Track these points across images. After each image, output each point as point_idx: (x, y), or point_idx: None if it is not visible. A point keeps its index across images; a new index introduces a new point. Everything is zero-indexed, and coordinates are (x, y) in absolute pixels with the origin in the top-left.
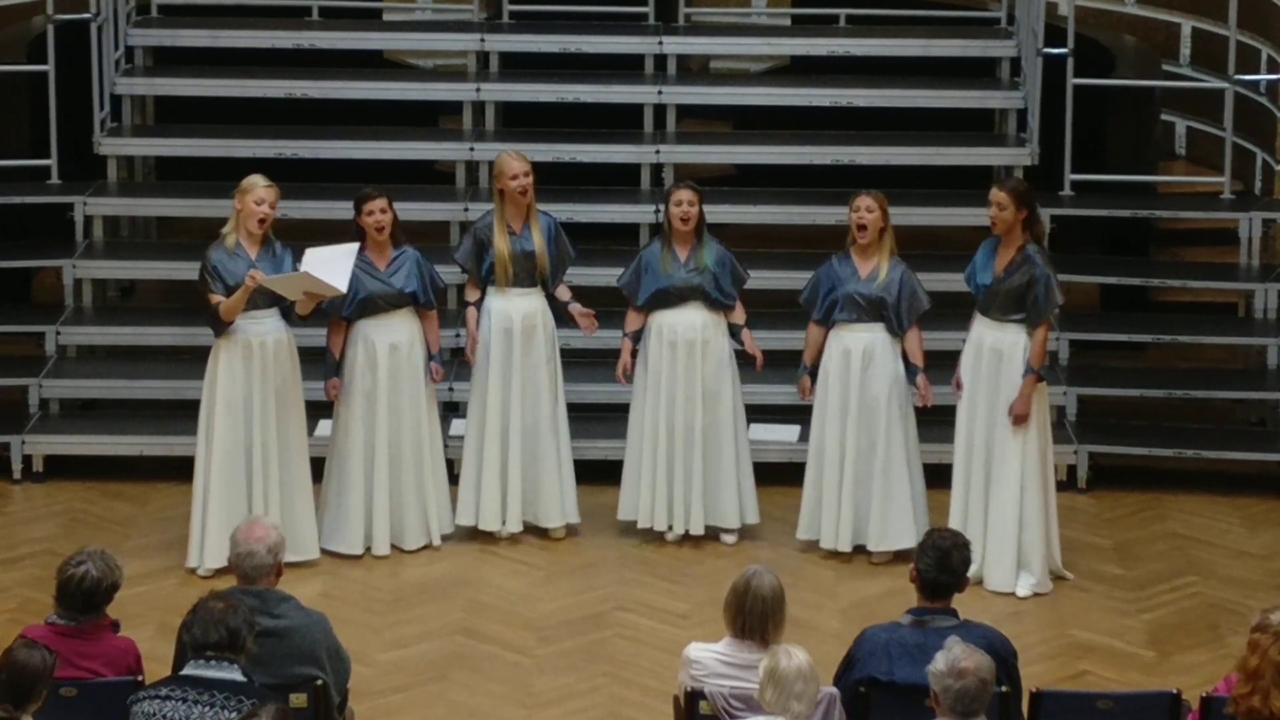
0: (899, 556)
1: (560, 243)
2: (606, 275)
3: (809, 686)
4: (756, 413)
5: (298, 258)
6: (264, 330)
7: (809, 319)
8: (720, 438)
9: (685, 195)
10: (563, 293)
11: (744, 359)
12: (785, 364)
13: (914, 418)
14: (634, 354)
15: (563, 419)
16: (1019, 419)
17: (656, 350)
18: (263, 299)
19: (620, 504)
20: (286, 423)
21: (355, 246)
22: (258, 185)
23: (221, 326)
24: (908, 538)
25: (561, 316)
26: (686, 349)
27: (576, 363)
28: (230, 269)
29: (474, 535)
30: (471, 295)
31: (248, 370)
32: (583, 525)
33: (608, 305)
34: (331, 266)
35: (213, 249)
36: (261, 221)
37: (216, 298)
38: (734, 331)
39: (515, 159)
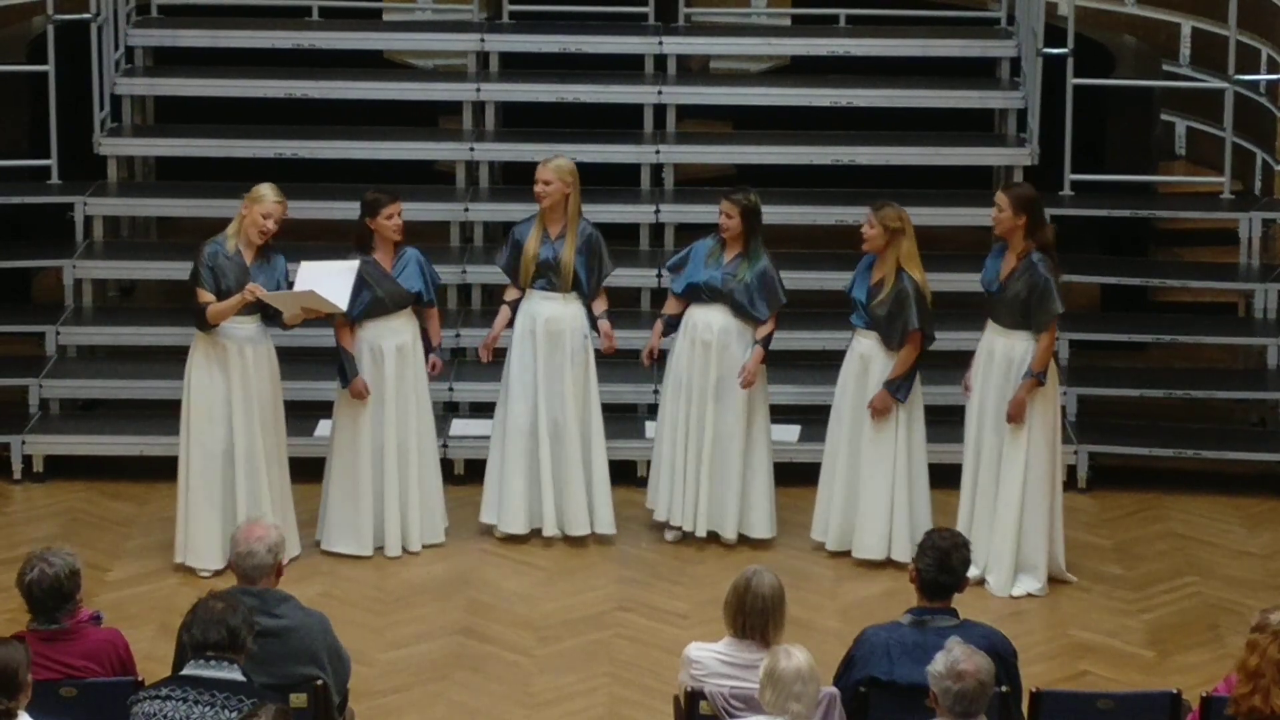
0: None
1: (594, 254)
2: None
3: (808, 687)
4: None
5: (291, 260)
6: (243, 337)
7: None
8: (728, 444)
9: (725, 206)
10: (598, 305)
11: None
12: (785, 364)
13: (919, 433)
14: (663, 338)
15: (592, 427)
16: (1010, 418)
17: (681, 344)
18: (248, 306)
19: (649, 496)
20: (265, 428)
21: (355, 264)
22: (267, 198)
23: (206, 326)
24: (876, 550)
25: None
26: (704, 349)
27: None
28: (225, 270)
29: (474, 535)
30: (509, 295)
31: (226, 376)
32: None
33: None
34: (332, 283)
35: (209, 245)
36: (263, 234)
37: (206, 296)
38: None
39: (544, 166)
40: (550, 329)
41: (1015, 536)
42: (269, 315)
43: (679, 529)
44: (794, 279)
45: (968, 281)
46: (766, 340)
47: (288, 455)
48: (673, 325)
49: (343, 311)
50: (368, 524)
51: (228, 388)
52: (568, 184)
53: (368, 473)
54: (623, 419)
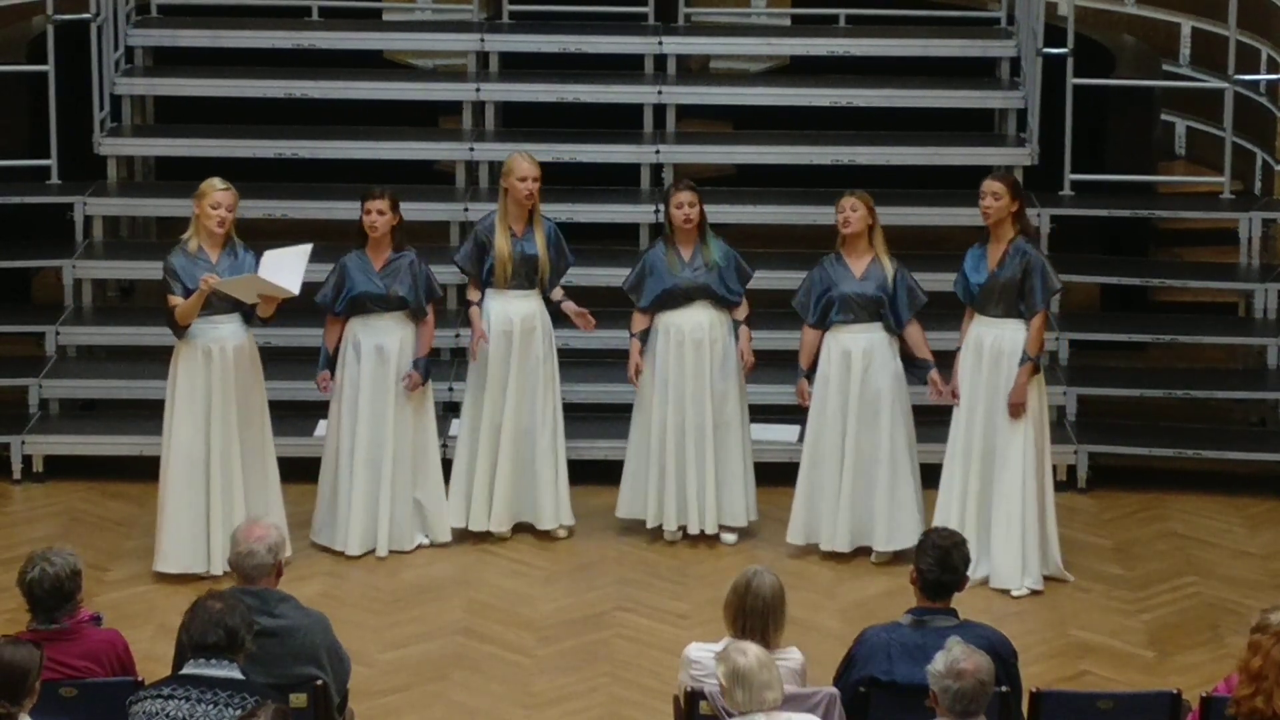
0: (899, 556)
1: (559, 248)
2: (606, 275)
3: (772, 672)
4: (756, 413)
5: (261, 259)
6: (223, 335)
7: (802, 323)
8: (729, 437)
9: (686, 197)
10: (556, 293)
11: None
12: (785, 364)
13: (911, 417)
14: (642, 353)
15: (559, 421)
16: (1015, 408)
17: (664, 350)
18: (222, 303)
19: (620, 502)
20: (248, 427)
21: (308, 248)
22: (214, 188)
23: (179, 330)
24: (913, 536)
25: (557, 317)
26: (695, 348)
27: (573, 363)
28: (190, 272)
29: (474, 535)
30: (473, 295)
31: (208, 375)
32: (582, 525)
33: (608, 305)
34: (284, 269)
35: (173, 253)
36: (220, 224)
37: (175, 300)
38: (734, 326)
39: (526, 161)
40: (525, 327)
41: (1020, 530)
42: (248, 313)
43: (678, 529)
44: (793, 279)
45: None
46: (749, 319)
47: (287, 455)
48: (644, 340)
49: (293, 294)
50: (344, 521)
51: (208, 387)
52: (540, 177)
53: (345, 470)
54: (622, 419)
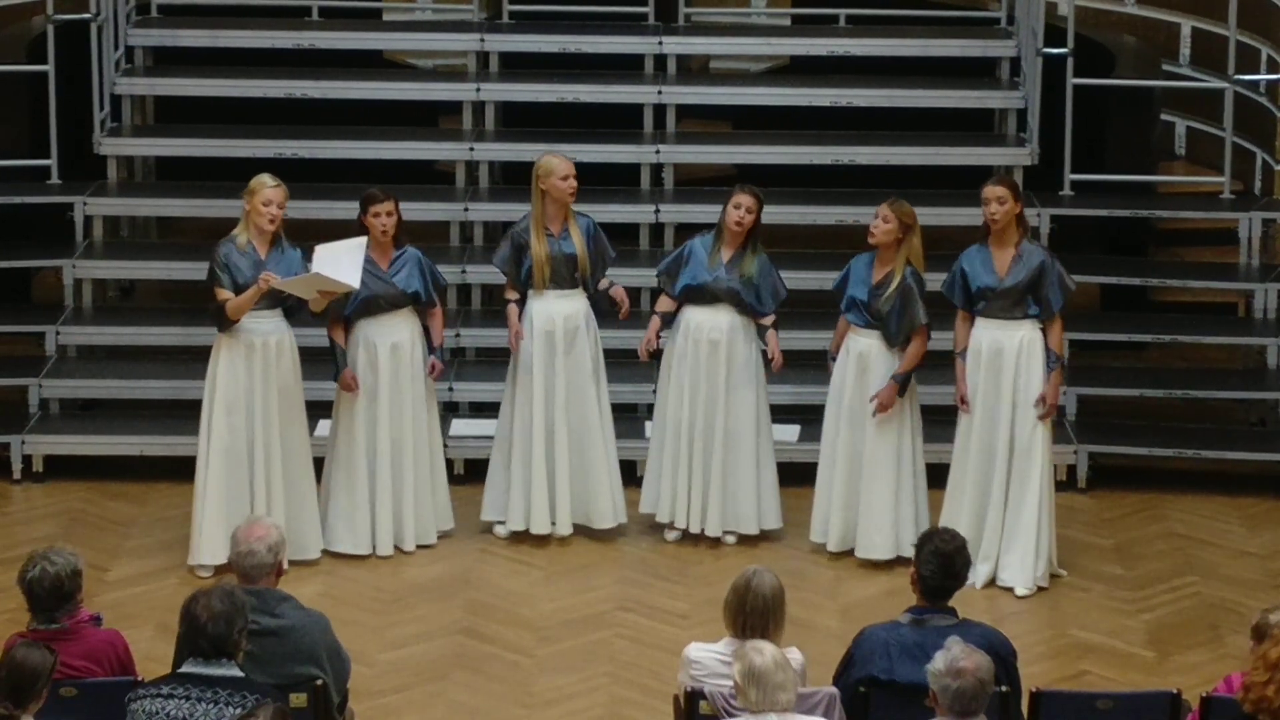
0: (899, 556)
1: (599, 242)
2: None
3: (787, 674)
4: None
5: (306, 256)
6: (267, 330)
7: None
8: (740, 441)
9: (745, 200)
10: (603, 283)
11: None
12: (786, 364)
13: (918, 429)
14: (659, 336)
15: (608, 419)
16: (1046, 410)
17: (683, 346)
18: (267, 299)
19: (643, 498)
20: (288, 422)
21: (363, 240)
22: (265, 185)
23: (227, 324)
24: (884, 549)
25: (602, 311)
26: (710, 349)
27: None
28: (240, 266)
29: (474, 535)
30: (511, 295)
31: (249, 369)
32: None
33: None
34: (342, 263)
35: (223, 245)
36: (271, 221)
37: (224, 294)
38: (760, 331)
39: (561, 160)
40: (568, 327)
41: (1035, 528)
42: (292, 308)
43: (680, 529)
44: (794, 279)
45: None
46: (776, 325)
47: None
48: (667, 323)
49: (354, 289)
50: (364, 522)
51: (250, 382)
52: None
53: (363, 471)
54: (623, 419)
